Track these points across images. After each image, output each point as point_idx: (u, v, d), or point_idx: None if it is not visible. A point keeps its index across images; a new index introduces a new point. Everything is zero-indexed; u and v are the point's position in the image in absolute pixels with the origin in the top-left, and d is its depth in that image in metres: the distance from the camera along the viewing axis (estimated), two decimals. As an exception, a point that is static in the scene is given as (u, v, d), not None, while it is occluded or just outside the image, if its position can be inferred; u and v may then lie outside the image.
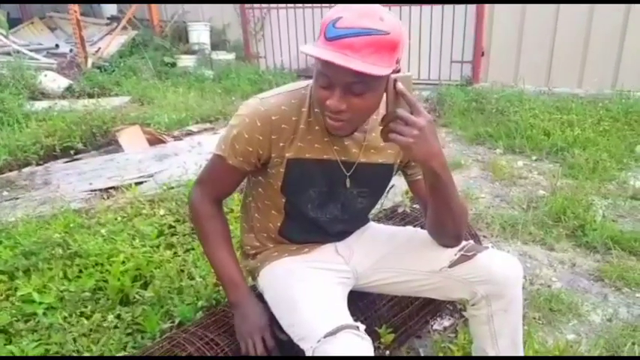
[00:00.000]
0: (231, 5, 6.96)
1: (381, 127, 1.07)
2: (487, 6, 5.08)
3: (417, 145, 1.01)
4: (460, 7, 5.22)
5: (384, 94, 1.07)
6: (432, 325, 1.86)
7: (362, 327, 1.09)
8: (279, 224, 1.34)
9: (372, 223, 1.49)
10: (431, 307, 1.80)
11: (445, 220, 1.21)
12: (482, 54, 5.28)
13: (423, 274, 1.31)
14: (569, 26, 4.73)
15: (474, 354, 1.40)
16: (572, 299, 1.98)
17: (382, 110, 1.10)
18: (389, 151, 1.28)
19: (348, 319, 1.11)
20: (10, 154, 3.40)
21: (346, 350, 1.02)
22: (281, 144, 1.20)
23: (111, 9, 7.77)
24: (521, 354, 1.33)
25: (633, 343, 1.72)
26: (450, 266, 1.27)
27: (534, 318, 1.90)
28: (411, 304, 1.68)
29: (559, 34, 4.81)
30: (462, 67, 5.45)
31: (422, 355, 1.75)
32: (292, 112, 1.19)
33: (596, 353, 1.69)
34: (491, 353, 1.30)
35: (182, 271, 1.91)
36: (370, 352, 1.06)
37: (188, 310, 1.68)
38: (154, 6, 7.19)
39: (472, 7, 5.15)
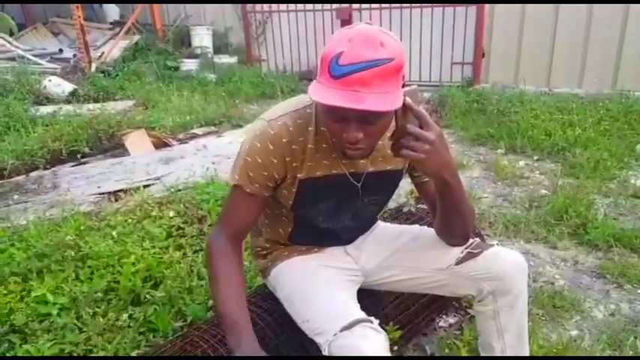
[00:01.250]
0: (233, 9, 7.00)
1: (391, 142, 1.08)
2: (487, 7, 5.13)
3: (429, 160, 1.03)
4: (461, 9, 5.27)
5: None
6: (437, 323, 1.90)
7: (376, 321, 1.12)
8: (289, 230, 1.37)
9: (379, 222, 1.53)
10: (436, 305, 1.84)
11: (454, 222, 1.24)
12: (483, 55, 5.32)
13: (430, 272, 1.35)
14: (569, 26, 4.77)
15: (480, 349, 1.43)
16: (575, 296, 2.02)
17: (391, 124, 1.13)
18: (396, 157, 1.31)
19: (362, 314, 1.14)
20: (18, 159, 3.44)
21: (363, 342, 1.05)
22: (294, 164, 1.20)
23: (114, 14, 7.83)
24: (527, 348, 1.36)
25: (635, 337, 1.76)
26: (457, 264, 1.31)
27: (538, 315, 1.94)
28: (417, 301, 1.72)
29: (559, 35, 4.85)
30: (463, 69, 5.49)
31: (428, 351, 1.78)
32: (300, 133, 1.18)
33: (599, 348, 1.72)
34: (497, 348, 1.34)
35: (192, 271, 1.95)
36: (386, 345, 1.09)
37: (199, 309, 1.72)
38: (156, 10, 7.24)
39: (472, 9, 5.19)
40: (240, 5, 6.80)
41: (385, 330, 1.49)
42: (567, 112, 4.01)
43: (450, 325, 1.91)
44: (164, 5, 7.47)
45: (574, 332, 1.84)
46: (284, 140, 1.17)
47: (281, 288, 1.34)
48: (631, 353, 1.70)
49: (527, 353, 1.37)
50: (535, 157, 3.53)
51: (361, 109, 0.94)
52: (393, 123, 1.07)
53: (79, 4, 6.18)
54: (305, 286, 1.27)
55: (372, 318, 1.13)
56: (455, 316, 1.96)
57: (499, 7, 5.09)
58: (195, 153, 3.27)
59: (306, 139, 1.20)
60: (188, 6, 7.37)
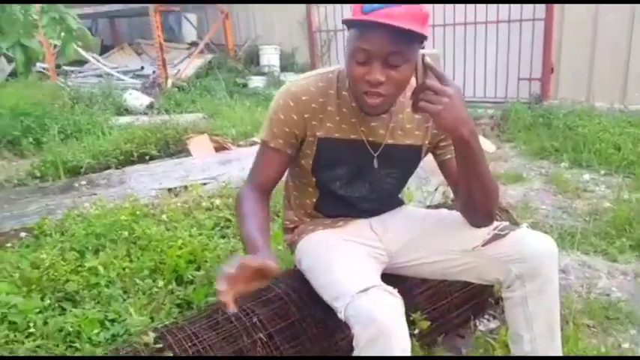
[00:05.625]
0: (301, 29, 7.25)
1: (411, 101, 1.12)
2: (556, 20, 4.96)
3: (446, 112, 1.06)
4: (527, 24, 5.13)
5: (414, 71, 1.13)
6: (477, 326, 1.83)
7: (395, 290, 1.12)
8: (314, 200, 1.41)
9: (406, 206, 1.52)
10: (473, 304, 1.77)
11: (476, 194, 1.22)
12: (552, 70, 5.13)
13: (456, 254, 1.32)
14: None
15: (510, 342, 1.37)
16: (632, 309, 1.88)
17: (410, 93, 1.16)
18: (416, 132, 1.32)
19: (381, 282, 1.14)
20: (93, 158, 3.74)
21: (378, 304, 1.05)
22: (313, 122, 1.27)
23: (191, 35, 8.35)
24: (558, 340, 1.29)
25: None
26: (483, 245, 1.28)
27: (588, 325, 1.82)
28: (450, 295, 1.67)
29: (634, 49, 4.58)
30: (531, 85, 5.31)
31: (464, 354, 1.72)
32: (320, 94, 1.27)
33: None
34: (526, 337, 1.27)
35: (232, 254, 2.02)
36: (401, 311, 1.08)
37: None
38: (229, 31, 7.65)
39: (540, 23, 5.04)
40: (306, 25, 7.05)
41: (413, 320, 1.48)
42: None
43: (491, 331, 1.83)
44: (237, 26, 7.88)
45: (626, 345, 1.71)
46: (303, 98, 1.25)
47: (304, 258, 1.37)
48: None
49: (558, 346, 1.29)
50: (602, 172, 3.33)
51: (390, 23, 1.03)
52: (414, 82, 1.11)
53: (159, 25, 6.67)
54: (327, 254, 1.29)
55: (391, 288, 1.12)
56: (496, 321, 1.88)
57: (568, 21, 4.91)
58: (252, 156, 3.39)
59: (327, 101, 1.27)
60: (259, 26, 7.73)
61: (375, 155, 1.31)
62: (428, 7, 1.11)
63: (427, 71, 1.09)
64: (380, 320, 1.02)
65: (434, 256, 1.36)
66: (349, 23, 1.13)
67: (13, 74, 7.98)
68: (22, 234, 2.29)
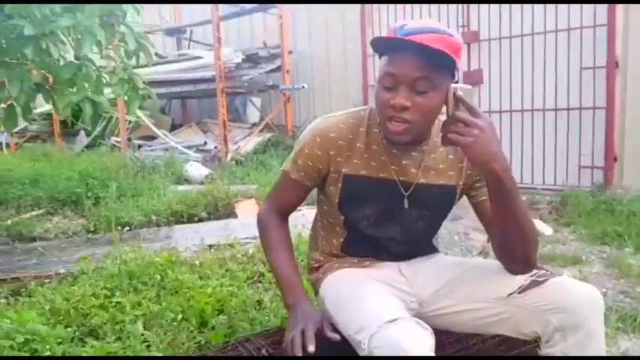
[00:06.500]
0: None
1: (441, 134, 1.09)
2: (617, 110, 4.84)
3: (477, 145, 1.01)
4: (587, 112, 5.03)
5: (444, 106, 1.11)
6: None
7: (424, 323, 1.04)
8: (341, 239, 1.36)
9: (440, 253, 1.43)
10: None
11: (512, 236, 1.14)
12: (615, 159, 4.92)
13: (491, 302, 1.21)
14: None
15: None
16: None
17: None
18: (450, 172, 1.27)
19: (410, 317, 1.07)
20: (145, 217, 3.87)
21: (407, 335, 0.97)
22: (338, 159, 1.26)
23: (255, 116, 8.82)
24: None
25: None
26: (520, 292, 1.16)
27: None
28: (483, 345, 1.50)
29: None
30: (593, 173, 5.09)
31: None
32: (349, 131, 1.26)
33: None
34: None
35: (259, 305, 1.96)
36: (431, 343, 1.00)
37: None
38: (289, 113, 8.02)
39: (601, 112, 4.92)
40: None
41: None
42: None
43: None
44: (296, 107, 8.26)
45: None
46: (331, 135, 1.25)
47: (329, 295, 1.30)
48: None
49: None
50: (673, 259, 3.04)
51: (416, 41, 1.03)
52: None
53: (224, 104, 7.12)
54: (353, 288, 1.23)
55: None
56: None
57: (632, 110, 4.77)
58: (295, 224, 3.39)
59: (356, 138, 1.25)
60: (318, 109, 8.06)
61: (406, 195, 1.27)
62: (462, 43, 1.11)
63: (458, 105, 1.07)
64: (409, 352, 0.93)
65: (465, 305, 1.25)
66: (379, 48, 1.15)
67: (89, 146, 8.66)
68: (62, 270, 2.35)
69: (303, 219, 2.85)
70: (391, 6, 6.49)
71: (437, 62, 1.08)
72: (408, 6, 6.22)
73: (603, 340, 1.10)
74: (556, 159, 5.38)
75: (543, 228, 3.77)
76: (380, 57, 1.17)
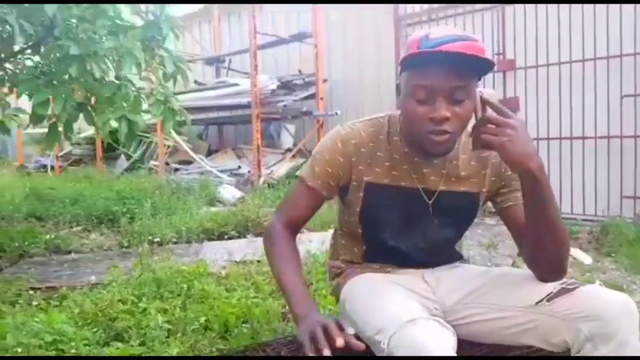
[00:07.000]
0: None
1: (470, 139, 1.07)
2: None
3: (511, 144, 0.99)
4: (629, 140, 4.88)
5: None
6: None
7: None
8: (363, 248, 1.34)
9: (464, 261, 1.40)
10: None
11: (545, 239, 1.10)
12: (659, 189, 4.72)
13: (518, 310, 1.16)
14: None
15: None
16: None
17: (465, 138, 1.13)
18: (472, 179, 1.25)
19: (431, 317, 1.03)
20: (177, 233, 3.93)
21: (428, 334, 0.94)
22: (360, 167, 1.23)
23: (288, 142, 8.93)
24: None
25: None
26: (549, 299, 1.11)
27: None
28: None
29: None
30: (635, 203, 4.90)
31: None
32: (370, 139, 1.24)
33: None
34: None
35: (283, 318, 1.94)
36: (453, 342, 0.96)
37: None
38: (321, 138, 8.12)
39: (642, 139, 4.77)
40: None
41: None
42: None
43: None
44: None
45: None
46: (353, 142, 1.23)
47: (350, 298, 1.27)
48: None
49: None
50: None
51: (466, 52, 1.00)
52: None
53: (258, 129, 7.25)
54: (374, 290, 1.20)
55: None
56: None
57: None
58: (323, 241, 3.38)
59: (377, 146, 1.24)
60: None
61: (430, 203, 1.25)
62: (482, 43, 1.10)
63: (485, 107, 1.06)
64: (431, 351, 0.90)
65: (491, 313, 1.20)
66: (407, 63, 1.11)
67: (129, 169, 8.95)
68: (92, 277, 2.40)
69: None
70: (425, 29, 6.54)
71: (472, 69, 1.07)
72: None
73: (638, 350, 1.03)
74: (596, 188, 5.20)
75: (582, 257, 3.63)
76: (401, 72, 1.16)
